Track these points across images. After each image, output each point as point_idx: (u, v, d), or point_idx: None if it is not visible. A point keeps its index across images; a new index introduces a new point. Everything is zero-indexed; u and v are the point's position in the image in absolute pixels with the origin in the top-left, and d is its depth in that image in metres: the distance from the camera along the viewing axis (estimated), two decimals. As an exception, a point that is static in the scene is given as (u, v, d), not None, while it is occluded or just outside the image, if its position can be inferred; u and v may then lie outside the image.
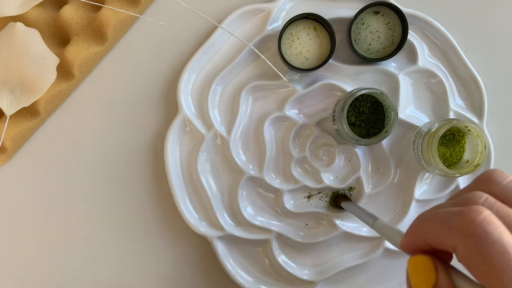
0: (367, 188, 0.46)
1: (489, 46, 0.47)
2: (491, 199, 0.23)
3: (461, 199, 0.25)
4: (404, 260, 0.47)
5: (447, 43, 0.45)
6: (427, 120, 0.46)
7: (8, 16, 0.44)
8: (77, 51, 0.44)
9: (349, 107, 0.43)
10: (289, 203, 0.46)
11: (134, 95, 0.47)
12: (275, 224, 0.46)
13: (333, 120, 0.44)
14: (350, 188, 0.46)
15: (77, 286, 0.47)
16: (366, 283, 0.46)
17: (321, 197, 0.46)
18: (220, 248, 0.45)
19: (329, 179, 0.46)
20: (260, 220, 0.46)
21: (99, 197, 0.47)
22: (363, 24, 0.44)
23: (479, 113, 0.46)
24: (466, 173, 0.41)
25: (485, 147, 0.41)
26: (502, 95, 0.47)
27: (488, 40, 0.47)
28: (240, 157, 0.46)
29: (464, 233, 0.22)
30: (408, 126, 0.45)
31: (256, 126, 0.46)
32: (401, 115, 0.45)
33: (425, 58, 0.46)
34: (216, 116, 0.46)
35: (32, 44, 0.42)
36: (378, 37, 0.44)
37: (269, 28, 0.45)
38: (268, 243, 0.46)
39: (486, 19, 0.47)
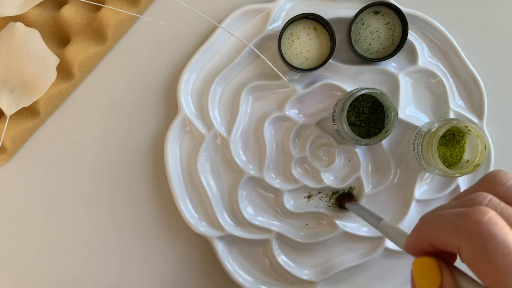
0: (367, 188, 0.46)
1: (489, 46, 0.47)
2: (496, 200, 0.23)
3: (465, 200, 0.24)
4: (404, 260, 0.47)
5: (447, 43, 0.45)
6: (427, 120, 0.46)
7: (8, 16, 0.44)
8: (77, 51, 0.44)
9: (349, 107, 0.43)
10: (289, 203, 0.46)
11: (134, 95, 0.47)
12: (275, 224, 0.46)
13: (333, 120, 0.44)
14: (350, 188, 0.46)
15: (77, 286, 0.47)
16: (366, 283, 0.46)
17: (321, 197, 0.46)
18: (220, 248, 0.45)
19: (329, 179, 0.46)
20: (260, 220, 0.46)
21: (99, 197, 0.47)
22: (363, 24, 0.44)
23: (479, 113, 0.46)
24: (466, 173, 0.41)
25: (485, 147, 0.41)
26: (502, 95, 0.47)
27: (488, 40, 0.47)
28: (240, 157, 0.46)
29: (469, 234, 0.22)
30: (408, 126, 0.45)
31: (256, 126, 0.46)
32: (401, 115, 0.45)
33: (425, 58, 0.46)
34: (216, 116, 0.46)
35: (32, 44, 0.42)
36: (378, 37, 0.44)
37: (269, 28, 0.45)
38: (268, 243, 0.46)
39: (486, 19, 0.47)
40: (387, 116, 0.43)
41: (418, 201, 0.46)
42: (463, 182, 0.46)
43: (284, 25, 0.43)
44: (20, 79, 0.42)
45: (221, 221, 0.45)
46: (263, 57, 0.43)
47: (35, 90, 0.43)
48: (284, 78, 0.44)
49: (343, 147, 0.46)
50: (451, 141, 0.43)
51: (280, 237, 0.46)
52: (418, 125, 0.45)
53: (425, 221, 0.25)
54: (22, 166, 0.47)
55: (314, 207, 0.46)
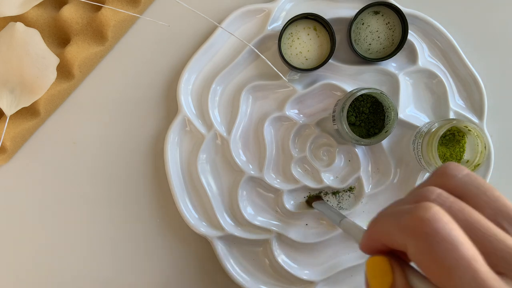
0: (367, 188, 0.46)
1: (489, 46, 0.47)
2: (444, 194, 0.22)
3: (414, 195, 0.24)
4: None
5: (447, 43, 0.45)
6: (427, 120, 0.46)
7: (8, 16, 0.44)
8: (77, 51, 0.44)
9: (349, 107, 0.43)
10: (289, 203, 0.46)
11: (134, 95, 0.47)
12: (275, 224, 0.46)
13: (333, 120, 0.44)
14: (350, 188, 0.46)
15: (77, 285, 0.47)
16: (366, 283, 0.46)
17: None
18: (220, 248, 0.45)
19: (329, 179, 0.46)
20: (260, 220, 0.46)
21: (99, 197, 0.47)
22: (363, 24, 0.44)
23: (479, 113, 0.46)
24: (466, 173, 0.41)
25: (485, 147, 0.41)
26: (502, 95, 0.47)
27: (488, 40, 0.47)
28: (240, 157, 0.46)
29: (413, 232, 0.21)
30: (408, 126, 0.45)
31: (256, 126, 0.46)
32: (401, 115, 0.45)
33: (425, 58, 0.46)
34: (216, 116, 0.46)
35: (32, 44, 0.42)
36: (378, 37, 0.44)
37: (269, 28, 0.45)
38: (268, 243, 0.46)
39: (486, 19, 0.47)
40: (387, 116, 0.43)
41: (418, 201, 0.46)
42: (463, 182, 0.46)
43: (284, 25, 0.43)
44: (20, 79, 0.42)
45: (221, 221, 0.45)
46: (263, 57, 0.43)
47: (35, 90, 0.42)
48: (284, 78, 0.44)
49: (343, 147, 0.46)
50: (451, 141, 0.43)
51: (280, 237, 0.46)
52: (418, 125, 0.45)
53: (376, 219, 0.24)
54: (22, 166, 0.47)
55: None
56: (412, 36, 0.45)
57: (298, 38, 0.44)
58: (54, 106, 0.46)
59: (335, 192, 0.46)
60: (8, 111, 0.43)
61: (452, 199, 0.22)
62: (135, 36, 0.47)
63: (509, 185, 0.47)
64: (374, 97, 0.43)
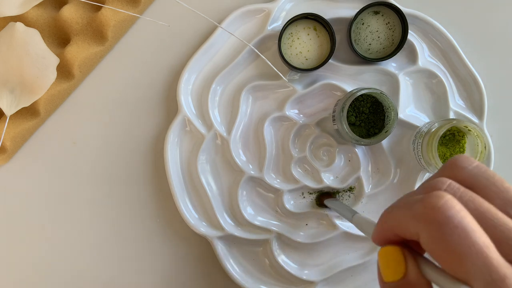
0: (367, 188, 0.46)
1: (489, 46, 0.47)
2: (455, 184, 0.23)
3: (425, 186, 0.24)
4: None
5: (447, 43, 0.45)
6: (427, 120, 0.46)
7: (8, 16, 0.44)
8: (77, 51, 0.44)
9: (349, 107, 0.43)
10: (289, 203, 0.46)
11: (134, 95, 0.47)
12: (275, 224, 0.46)
13: (333, 120, 0.44)
14: (350, 188, 0.46)
15: (77, 286, 0.47)
16: (366, 283, 0.46)
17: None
18: (220, 248, 0.45)
19: (329, 179, 0.46)
20: (260, 220, 0.46)
21: (99, 197, 0.47)
22: (363, 24, 0.44)
23: (479, 113, 0.46)
24: (466, 173, 0.41)
25: (485, 147, 0.41)
26: (502, 95, 0.47)
27: (488, 40, 0.47)
28: (240, 157, 0.46)
29: (425, 220, 0.21)
30: (408, 126, 0.45)
31: (256, 126, 0.46)
32: (401, 115, 0.45)
33: (425, 58, 0.46)
34: (216, 116, 0.46)
35: (32, 44, 0.42)
36: (378, 37, 0.44)
37: (269, 28, 0.45)
38: (268, 243, 0.46)
39: (486, 19, 0.47)
40: (387, 116, 0.43)
41: (418, 201, 0.46)
42: (463, 182, 0.46)
43: (284, 25, 0.43)
44: (20, 79, 0.42)
45: (221, 221, 0.45)
46: (263, 57, 0.43)
47: (35, 90, 0.42)
48: (284, 78, 0.44)
49: (343, 147, 0.46)
50: (451, 141, 0.43)
51: (280, 237, 0.46)
52: (418, 125, 0.45)
53: (388, 210, 0.25)
54: (22, 166, 0.47)
55: (315, 207, 0.46)
56: (412, 36, 0.45)
57: (298, 38, 0.44)
58: (54, 106, 0.46)
59: (335, 192, 0.46)
60: (8, 111, 0.43)
61: (462, 189, 0.23)
62: (135, 36, 0.47)
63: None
64: (374, 97, 0.43)
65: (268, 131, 0.46)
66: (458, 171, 0.24)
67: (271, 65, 0.43)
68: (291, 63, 0.43)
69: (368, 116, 0.43)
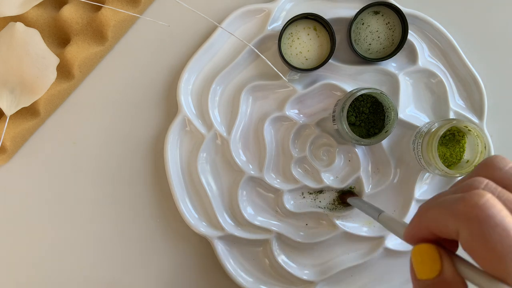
0: (367, 188, 0.46)
1: (489, 46, 0.47)
2: (492, 184, 0.23)
3: (462, 185, 0.24)
4: (404, 260, 0.47)
5: (447, 43, 0.45)
6: (427, 120, 0.46)
7: (8, 16, 0.44)
8: (77, 51, 0.44)
9: (349, 107, 0.43)
10: (289, 203, 0.46)
11: (134, 95, 0.47)
12: (275, 224, 0.46)
13: (333, 120, 0.44)
14: (350, 188, 0.46)
15: (77, 285, 0.47)
16: (366, 283, 0.46)
17: (321, 197, 0.46)
18: (220, 248, 0.45)
19: (329, 179, 0.46)
20: (260, 220, 0.46)
21: (99, 197, 0.47)
22: (363, 24, 0.44)
23: (479, 113, 0.46)
24: (466, 173, 0.41)
25: (485, 147, 0.41)
26: (502, 95, 0.47)
27: (488, 40, 0.47)
28: (240, 157, 0.46)
29: (466, 218, 0.21)
30: (408, 126, 0.45)
31: (256, 126, 0.46)
32: (401, 115, 0.45)
33: (425, 58, 0.46)
34: (216, 116, 0.46)
35: (32, 44, 0.42)
36: (378, 37, 0.44)
37: (269, 28, 0.45)
38: (268, 243, 0.46)
39: (486, 19, 0.47)
40: (387, 116, 0.43)
41: (418, 201, 0.46)
42: (463, 182, 0.46)
43: (284, 25, 0.43)
44: (20, 79, 0.42)
45: (221, 221, 0.45)
46: (263, 57, 0.43)
47: (35, 90, 0.42)
48: (284, 78, 0.44)
49: (343, 147, 0.46)
50: (451, 141, 0.43)
51: (280, 237, 0.46)
52: (418, 125, 0.45)
53: (424, 209, 0.25)
54: (22, 166, 0.47)
55: (315, 207, 0.46)
56: (412, 36, 0.45)
57: (298, 38, 0.44)
58: (54, 106, 0.46)
59: (340, 191, 0.46)
60: (8, 111, 0.43)
61: (500, 189, 0.23)
62: (135, 36, 0.47)
63: (509, 185, 0.47)
64: (374, 97, 0.43)
65: (268, 131, 0.46)
66: (494, 172, 0.24)
67: (271, 65, 0.43)
68: (291, 63, 0.43)
69: (368, 116, 0.43)
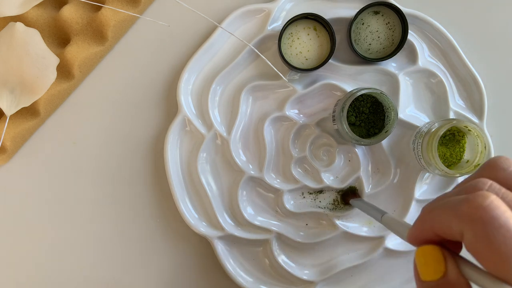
0: (367, 188, 0.46)
1: (489, 46, 0.47)
2: (496, 185, 0.23)
3: (466, 186, 0.24)
4: (404, 260, 0.47)
5: (447, 43, 0.45)
6: (427, 120, 0.46)
7: (8, 16, 0.44)
8: (77, 51, 0.44)
9: (349, 107, 0.43)
10: (289, 203, 0.46)
11: (134, 95, 0.47)
12: (275, 224, 0.46)
13: (333, 120, 0.44)
14: (351, 188, 0.46)
15: (77, 285, 0.47)
16: (366, 283, 0.46)
17: (321, 197, 0.46)
18: (220, 248, 0.45)
19: (329, 179, 0.46)
20: (260, 220, 0.46)
21: (99, 197, 0.47)
22: (363, 24, 0.44)
23: (479, 113, 0.46)
24: (466, 173, 0.41)
25: (485, 147, 0.41)
26: (502, 95, 0.47)
27: (488, 40, 0.47)
28: (240, 157, 0.46)
29: (471, 219, 0.21)
30: (408, 126, 0.45)
31: (256, 126, 0.46)
32: (401, 115, 0.45)
33: (425, 58, 0.46)
34: (216, 116, 0.46)
35: (32, 44, 0.42)
36: (378, 37, 0.44)
37: (269, 28, 0.45)
38: (268, 243, 0.46)
39: (486, 19, 0.47)
40: (387, 116, 0.43)
41: (418, 201, 0.46)
42: (463, 182, 0.46)
43: (284, 25, 0.43)
44: (20, 79, 0.42)
45: (221, 221, 0.45)
46: (263, 57, 0.43)
47: (35, 90, 0.42)
48: (284, 78, 0.44)
49: (343, 147, 0.46)
50: (451, 141, 0.43)
51: (280, 237, 0.46)
52: (418, 125, 0.45)
53: (427, 210, 0.25)
54: (22, 166, 0.47)
55: (315, 207, 0.46)
56: (412, 36, 0.45)
57: (298, 38, 0.44)
58: (54, 106, 0.46)
59: (342, 190, 0.46)
60: (8, 111, 0.43)
61: (504, 190, 0.23)
62: (135, 36, 0.47)
63: (509, 185, 0.47)
64: (374, 97, 0.43)
65: (268, 131, 0.46)
66: (498, 172, 0.24)
67: (271, 65, 0.43)
68: (291, 63, 0.43)
69: (368, 116, 0.43)
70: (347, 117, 0.43)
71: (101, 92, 0.47)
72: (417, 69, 0.45)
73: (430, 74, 0.45)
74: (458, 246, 0.25)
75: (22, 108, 0.44)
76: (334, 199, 0.46)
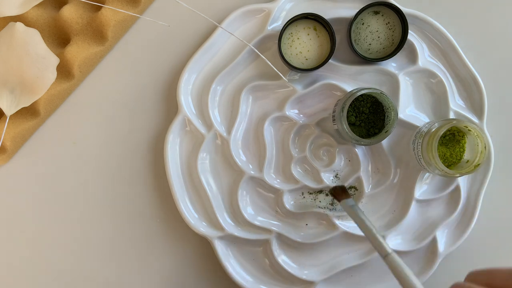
0: (367, 188, 0.46)
1: (489, 46, 0.47)
2: None
3: None
4: (404, 260, 0.46)
5: (447, 43, 0.45)
6: (427, 120, 0.46)
7: (8, 16, 0.44)
8: (77, 51, 0.44)
9: (349, 107, 0.43)
10: (289, 203, 0.46)
11: (134, 95, 0.47)
12: (275, 224, 0.46)
13: (333, 120, 0.44)
14: (350, 188, 0.46)
15: (77, 285, 0.47)
16: (366, 283, 0.46)
17: (321, 197, 0.46)
18: (220, 248, 0.45)
19: (329, 179, 0.46)
20: (260, 220, 0.46)
21: (99, 197, 0.47)
22: (363, 24, 0.44)
23: (479, 113, 0.46)
24: (466, 173, 0.41)
25: (485, 147, 0.41)
26: (502, 95, 0.47)
27: (488, 40, 0.47)
28: (240, 157, 0.46)
29: None
30: (408, 126, 0.45)
31: (256, 126, 0.46)
32: (401, 115, 0.45)
33: (425, 58, 0.46)
34: (216, 116, 0.46)
35: (32, 44, 0.42)
36: (378, 37, 0.44)
37: (269, 28, 0.45)
38: (268, 243, 0.46)
39: (486, 19, 0.47)
40: (387, 116, 0.43)
41: (418, 201, 0.46)
42: (463, 182, 0.46)
43: (284, 25, 0.43)
44: (20, 79, 0.42)
45: (221, 221, 0.45)
46: (263, 57, 0.43)
47: (35, 90, 0.43)
48: (284, 78, 0.44)
49: (343, 147, 0.46)
50: (451, 141, 0.43)
51: (280, 237, 0.46)
52: (418, 125, 0.45)
53: None
54: (22, 166, 0.47)
55: (315, 207, 0.46)
56: (412, 36, 0.45)
57: (298, 38, 0.44)
58: (54, 106, 0.46)
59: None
60: (8, 111, 0.43)
61: None
62: (135, 36, 0.47)
63: (509, 185, 0.47)
64: (374, 97, 0.43)
65: (268, 131, 0.46)
66: None
67: (271, 65, 0.43)
68: (291, 63, 0.43)
69: (368, 116, 0.43)
70: (347, 117, 0.43)
71: (101, 92, 0.47)
72: (417, 69, 0.45)
73: (430, 74, 0.45)
74: None
75: (22, 108, 0.44)
76: (334, 199, 0.46)
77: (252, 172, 0.45)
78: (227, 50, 0.46)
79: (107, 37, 0.45)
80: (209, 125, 0.46)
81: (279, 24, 0.46)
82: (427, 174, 0.46)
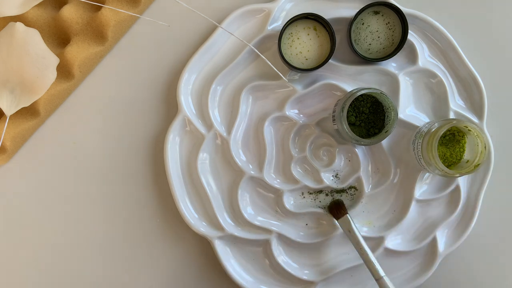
0: (367, 188, 0.46)
1: (489, 46, 0.47)
2: None
3: None
4: (404, 260, 0.47)
5: (447, 43, 0.45)
6: (427, 120, 0.46)
7: (8, 16, 0.44)
8: (77, 51, 0.44)
9: (349, 107, 0.43)
10: (289, 203, 0.46)
11: (134, 95, 0.47)
12: (275, 224, 0.46)
13: (333, 120, 0.44)
14: (350, 188, 0.46)
15: (77, 285, 0.47)
16: (366, 283, 0.46)
17: (321, 197, 0.46)
18: (220, 248, 0.45)
19: (329, 179, 0.46)
20: (260, 220, 0.46)
21: (99, 197, 0.47)
22: (363, 24, 0.44)
23: (479, 113, 0.46)
24: (466, 173, 0.41)
25: (485, 147, 0.41)
26: (502, 95, 0.47)
27: (488, 40, 0.47)
28: (240, 157, 0.46)
29: None
30: (408, 126, 0.45)
31: (256, 126, 0.46)
32: (401, 115, 0.45)
33: (425, 58, 0.46)
34: (216, 116, 0.46)
35: (32, 44, 0.42)
36: (378, 37, 0.44)
37: (269, 28, 0.45)
38: (268, 243, 0.46)
39: (486, 19, 0.47)
40: (387, 116, 0.43)
41: (418, 201, 0.46)
42: (463, 182, 0.46)
43: (284, 25, 0.43)
44: (20, 79, 0.42)
45: (221, 221, 0.45)
46: (263, 57, 0.43)
47: (35, 90, 0.43)
48: (284, 78, 0.44)
49: (343, 147, 0.46)
50: (451, 141, 0.43)
51: (280, 237, 0.46)
52: (418, 125, 0.45)
53: None
54: (22, 166, 0.47)
55: (315, 207, 0.46)
56: (412, 36, 0.45)
57: (298, 38, 0.44)
58: (54, 106, 0.46)
59: (339, 191, 0.46)
60: (8, 111, 0.43)
61: None
62: (135, 36, 0.47)
63: (509, 185, 0.47)
64: (374, 97, 0.43)
65: (268, 131, 0.46)
66: None
67: (271, 65, 0.43)
68: (291, 63, 0.43)
69: (368, 116, 0.43)
70: (347, 117, 0.43)
71: (101, 92, 0.47)
72: (417, 69, 0.45)
73: (430, 74, 0.45)
74: None
75: (22, 108, 0.44)
76: (334, 199, 0.46)
77: (252, 172, 0.45)
78: (227, 50, 0.46)
79: (107, 37, 0.45)
80: (209, 125, 0.46)
81: (279, 24, 0.46)
82: (427, 174, 0.46)
